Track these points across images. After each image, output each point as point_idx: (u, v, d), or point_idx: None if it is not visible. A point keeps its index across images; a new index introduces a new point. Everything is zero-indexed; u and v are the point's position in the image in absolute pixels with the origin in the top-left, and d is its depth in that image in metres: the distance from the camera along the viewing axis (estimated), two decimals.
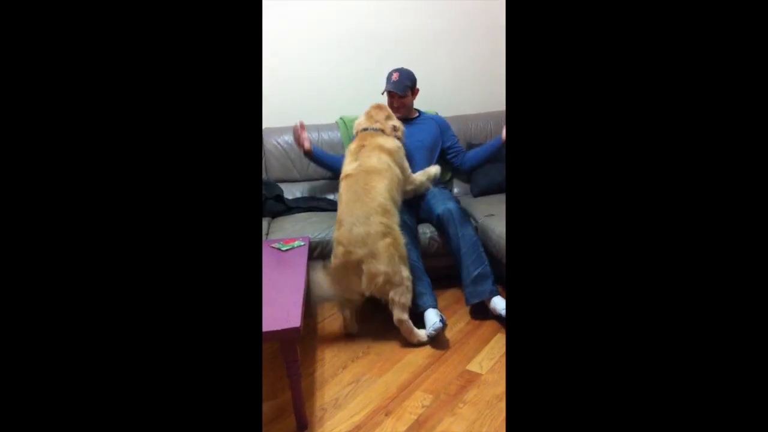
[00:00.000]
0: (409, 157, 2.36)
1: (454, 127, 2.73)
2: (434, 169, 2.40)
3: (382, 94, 2.54)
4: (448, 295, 2.42)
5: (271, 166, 2.81)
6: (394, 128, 2.28)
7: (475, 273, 2.10)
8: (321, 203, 2.66)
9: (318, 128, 2.82)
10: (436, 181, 2.46)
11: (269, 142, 2.81)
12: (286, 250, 2.06)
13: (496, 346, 1.98)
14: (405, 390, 1.72)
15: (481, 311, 2.19)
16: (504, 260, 2.09)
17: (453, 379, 1.77)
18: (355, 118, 2.41)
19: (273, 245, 2.11)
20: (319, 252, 2.27)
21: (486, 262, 2.13)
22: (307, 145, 2.52)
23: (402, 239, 1.98)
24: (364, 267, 1.91)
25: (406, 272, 1.94)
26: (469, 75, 3.07)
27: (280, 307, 1.51)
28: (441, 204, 2.24)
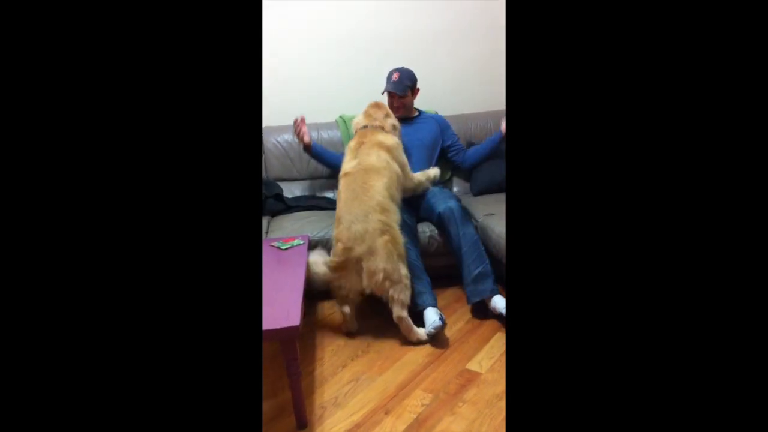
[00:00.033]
0: (409, 156, 2.36)
1: (454, 127, 2.73)
2: (434, 171, 2.40)
3: (382, 94, 2.54)
4: (448, 294, 2.42)
5: (271, 164, 2.81)
6: (394, 127, 2.29)
7: (476, 272, 2.11)
8: (320, 202, 2.66)
9: (318, 127, 2.82)
10: (436, 181, 2.46)
11: (269, 140, 2.81)
12: (286, 248, 2.06)
13: (496, 345, 1.98)
14: (405, 389, 1.73)
15: (481, 310, 2.19)
16: (504, 260, 2.09)
17: (453, 378, 1.77)
18: (355, 117, 2.42)
19: (272, 244, 2.11)
20: None
21: (487, 261, 2.13)
22: (306, 138, 2.52)
23: (401, 238, 1.99)
24: (364, 264, 1.92)
25: (404, 270, 1.95)
26: (469, 75, 3.07)
27: (279, 306, 1.51)
28: (442, 202, 2.24)
